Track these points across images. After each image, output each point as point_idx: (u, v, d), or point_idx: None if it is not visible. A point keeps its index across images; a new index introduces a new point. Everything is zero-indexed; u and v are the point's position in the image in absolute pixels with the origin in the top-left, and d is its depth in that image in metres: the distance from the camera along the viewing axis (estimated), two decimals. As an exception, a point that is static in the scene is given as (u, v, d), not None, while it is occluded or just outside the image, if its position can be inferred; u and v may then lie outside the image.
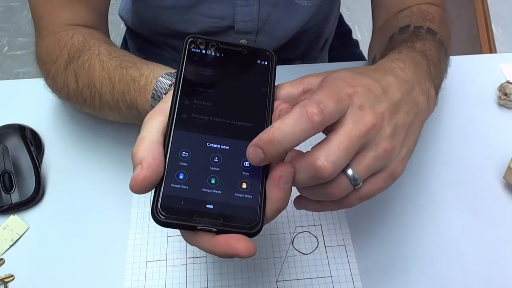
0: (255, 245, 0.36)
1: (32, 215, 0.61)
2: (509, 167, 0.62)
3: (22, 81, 0.76)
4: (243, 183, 0.38)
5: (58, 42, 0.61)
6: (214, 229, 0.36)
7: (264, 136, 0.37)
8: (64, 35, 0.62)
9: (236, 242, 0.35)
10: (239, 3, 0.75)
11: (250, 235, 0.36)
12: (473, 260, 0.58)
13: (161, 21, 0.78)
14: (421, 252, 0.58)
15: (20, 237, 0.60)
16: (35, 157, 0.64)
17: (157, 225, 0.36)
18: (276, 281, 0.56)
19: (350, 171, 0.40)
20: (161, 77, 0.49)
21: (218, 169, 0.38)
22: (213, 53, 0.43)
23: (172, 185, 0.37)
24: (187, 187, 0.37)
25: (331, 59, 0.97)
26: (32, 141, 0.66)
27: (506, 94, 0.71)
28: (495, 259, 0.58)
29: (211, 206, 0.37)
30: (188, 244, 0.39)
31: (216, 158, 0.39)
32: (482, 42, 0.90)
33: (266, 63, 0.44)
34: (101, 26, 0.68)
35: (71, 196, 0.63)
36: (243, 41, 0.80)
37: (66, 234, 0.60)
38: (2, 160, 0.63)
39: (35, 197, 0.62)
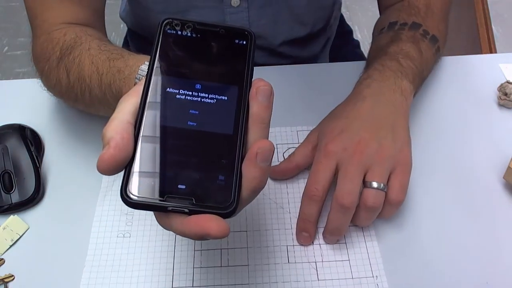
0: (228, 226, 0.34)
1: (32, 215, 0.61)
2: (509, 167, 0.62)
3: (22, 81, 0.76)
4: (217, 163, 0.37)
5: (51, 40, 0.61)
6: (186, 210, 0.35)
7: (300, 223, 0.57)
8: (57, 33, 0.62)
9: (207, 221, 0.34)
10: (228, 10, 0.75)
11: (224, 216, 0.35)
12: (473, 260, 0.58)
13: (155, 24, 0.78)
14: (420, 252, 0.58)
15: (20, 237, 0.59)
16: (35, 157, 0.64)
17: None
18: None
19: (371, 182, 0.54)
20: (143, 64, 0.49)
21: (191, 149, 0.37)
22: (189, 34, 0.42)
23: (142, 165, 0.36)
24: (158, 167, 0.36)
25: (332, 59, 0.97)
26: (32, 141, 0.66)
27: (506, 94, 0.71)
28: (495, 259, 0.58)
29: (183, 187, 0.35)
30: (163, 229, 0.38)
31: (188, 137, 0.37)
32: (482, 42, 0.90)
33: (244, 42, 0.42)
34: (96, 23, 0.68)
35: (71, 196, 0.63)
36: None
37: (66, 234, 0.60)
38: (2, 160, 0.63)
39: (35, 197, 0.62)
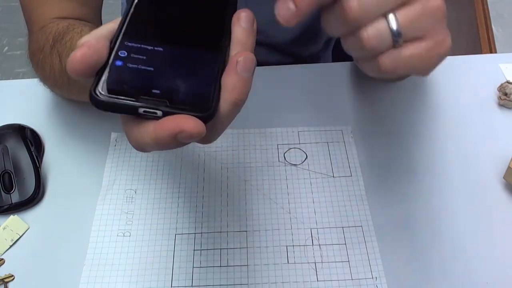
0: (204, 126, 0.32)
1: (32, 215, 0.61)
2: (509, 167, 0.62)
3: (22, 81, 0.75)
4: (197, 74, 0.35)
5: (45, 32, 0.61)
6: (159, 113, 0.32)
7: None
8: (50, 25, 0.62)
9: (182, 119, 0.31)
10: None
11: (201, 118, 0.32)
12: (473, 259, 0.58)
13: None
14: (419, 253, 0.58)
15: (20, 237, 0.59)
16: (35, 157, 0.64)
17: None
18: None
19: (391, 16, 0.35)
20: None
21: (170, 60, 0.35)
22: None
23: (116, 66, 0.34)
24: (133, 71, 0.34)
25: (335, 58, 0.97)
26: (32, 141, 0.66)
27: (506, 94, 0.71)
28: (495, 259, 0.58)
29: (157, 91, 0.33)
30: (133, 148, 0.35)
31: (167, 50, 0.36)
32: (482, 42, 0.90)
33: None
34: (92, 20, 0.67)
35: (71, 196, 0.63)
36: None
37: (66, 234, 0.60)
38: (2, 160, 0.63)
39: (35, 197, 0.62)
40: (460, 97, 0.74)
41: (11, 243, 0.59)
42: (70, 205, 0.62)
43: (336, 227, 0.60)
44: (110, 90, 0.33)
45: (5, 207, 0.60)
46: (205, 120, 0.32)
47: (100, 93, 0.32)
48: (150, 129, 0.32)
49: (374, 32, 0.35)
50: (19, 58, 1.66)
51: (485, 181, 0.65)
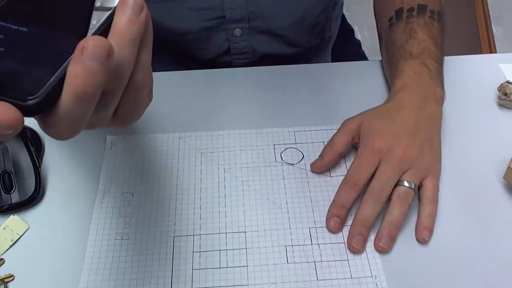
0: (20, 120, 0.29)
1: (32, 215, 0.61)
2: (509, 167, 0.62)
3: (22, 81, 0.75)
4: (42, 60, 0.32)
5: None
6: None
7: (333, 208, 0.60)
8: None
9: None
10: None
11: (21, 108, 0.29)
12: (473, 260, 0.58)
13: (152, 19, 0.79)
14: (419, 252, 0.58)
15: (20, 237, 0.59)
16: (35, 157, 0.64)
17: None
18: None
19: (405, 182, 0.60)
20: None
21: (28, 39, 0.33)
22: None
23: None
24: None
25: (334, 59, 0.97)
26: (32, 141, 0.66)
27: (506, 94, 0.71)
28: (495, 259, 0.58)
29: None
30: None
31: (31, 29, 0.33)
32: (482, 42, 0.90)
33: None
34: None
35: (71, 196, 0.63)
36: (237, 31, 0.80)
37: (66, 234, 0.60)
38: (2, 160, 0.63)
39: (35, 197, 0.62)
40: (460, 97, 0.74)
41: (11, 243, 0.59)
42: (70, 205, 0.62)
43: (334, 227, 0.60)
44: None
45: (5, 207, 0.60)
46: (25, 109, 0.30)
47: None
48: None
49: (400, 192, 0.60)
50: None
51: (485, 181, 0.65)
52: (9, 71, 0.31)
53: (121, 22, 0.32)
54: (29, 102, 0.30)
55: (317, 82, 0.76)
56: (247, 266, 0.57)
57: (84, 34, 0.33)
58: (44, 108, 0.31)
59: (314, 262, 0.57)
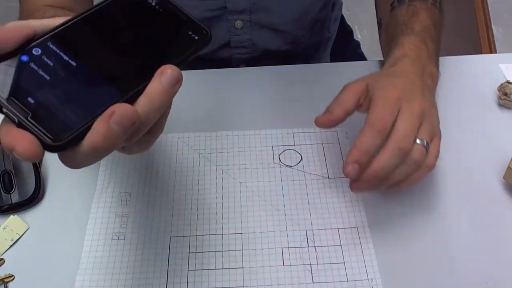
0: (39, 154, 0.31)
1: (32, 215, 0.62)
2: (509, 167, 0.62)
3: (23, 81, 0.76)
4: (79, 104, 0.34)
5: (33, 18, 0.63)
6: (16, 120, 0.32)
7: (356, 152, 0.53)
8: (37, 14, 0.64)
9: (20, 137, 0.31)
10: None
11: (44, 145, 0.32)
12: (473, 260, 0.58)
13: None
14: (420, 251, 0.58)
15: (20, 237, 0.60)
16: (35, 157, 0.64)
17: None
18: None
19: (422, 140, 0.56)
20: None
21: (74, 76, 0.35)
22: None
23: (20, 59, 0.34)
24: (29, 71, 0.34)
25: (333, 60, 0.97)
26: (32, 141, 0.66)
27: (506, 94, 0.71)
28: (495, 259, 0.58)
29: (32, 101, 0.33)
30: None
31: (80, 66, 0.35)
32: (482, 42, 0.90)
33: (196, 37, 0.40)
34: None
35: (71, 196, 0.63)
36: (239, 23, 0.80)
37: (66, 234, 0.60)
38: (2, 160, 0.63)
39: (35, 197, 0.62)
40: (460, 97, 0.74)
41: (11, 243, 0.59)
42: (70, 205, 0.63)
43: (331, 229, 0.60)
44: None
45: (5, 207, 0.61)
46: (48, 147, 0.32)
47: None
48: (2, 132, 0.32)
49: (416, 153, 0.55)
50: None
51: (485, 181, 0.65)
52: (46, 102, 0.33)
53: (155, 89, 0.35)
54: (52, 143, 0.32)
55: (316, 83, 0.76)
56: (243, 267, 0.57)
57: (127, 90, 0.35)
58: (62, 150, 0.33)
59: (310, 264, 0.57)
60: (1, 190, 0.62)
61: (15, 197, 0.61)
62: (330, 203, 0.62)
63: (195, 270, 0.57)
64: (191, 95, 0.74)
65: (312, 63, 0.90)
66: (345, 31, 1.03)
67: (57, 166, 0.66)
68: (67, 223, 0.61)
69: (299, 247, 0.59)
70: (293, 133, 0.69)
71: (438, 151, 0.58)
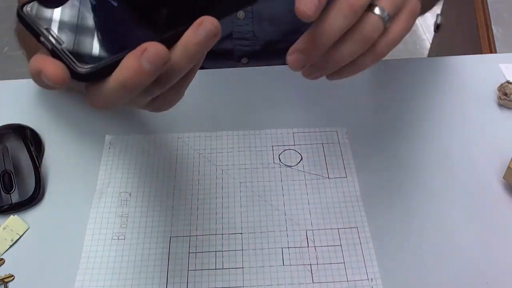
0: (66, 77, 0.32)
1: (32, 215, 0.62)
2: (509, 167, 0.62)
3: (22, 81, 0.76)
4: (115, 40, 0.36)
5: None
6: (49, 47, 0.34)
7: (307, 37, 0.41)
8: None
9: (47, 61, 0.32)
10: None
11: (74, 74, 0.33)
12: (473, 260, 0.58)
13: None
14: (420, 251, 0.58)
15: (20, 237, 0.60)
16: (35, 157, 0.64)
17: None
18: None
19: (378, 7, 0.42)
20: None
21: (115, 14, 0.36)
22: None
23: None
24: (60, 9, 0.36)
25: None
26: (32, 141, 0.67)
27: (506, 94, 0.71)
28: (495, 259, 0.58)
29: (68, 32, 0.35)
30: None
31: (121, 6, 0.37)
32: (482, 42, 0.90)
33: None
34: None
35: (71, 196, 0.63)
36: (241, 13, 0.80)
37: (66, 234, 0.60)
38: (2, 160, 0.63)
39: (35, 197, 0.62)
40: (460, 97, 0.73)
41: (11, 243, 0.59)
42: (70, 205, 0.63)
43: (331, 229, 0.60)
44: (31, 12, 0.35)
45: (5, 207, 0.61)
46: (75, 75, 0.33)
47: (25, 10, 0.35)
48: (35, 57, 0.33)
49: (369, 26, 0.41)
50: (19, 58, 1.67)
51: (485, 181, 0.64)
52: (81, 35, 0.35)
53: (191, 39, 0.34)
54: (80, 70, 0.33)
55: (316, 83, 0.75)
56: (242, 267, 0.57)
57: (162, 33, 0.35)
58: (90, 80, 0.34)
59: (310, 264, 0.57)
60: (1, 190, 0.62)
61: (15, 197, 0.61)
62: (330, 203, 0.62)
63: (195, 270, 0.57)
64: (191, 95, 0.74)
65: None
66: None
67: (57, 166, 0.66)
68: (67, 223, 0.61)
69: (299, 247, 0.59)
70: (293, 133, 0.69)
71: (409, 26, 0.45)
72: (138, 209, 0.62)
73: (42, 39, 0.34)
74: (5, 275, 0.57)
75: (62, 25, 0.35)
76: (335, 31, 0.41)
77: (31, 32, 0.35)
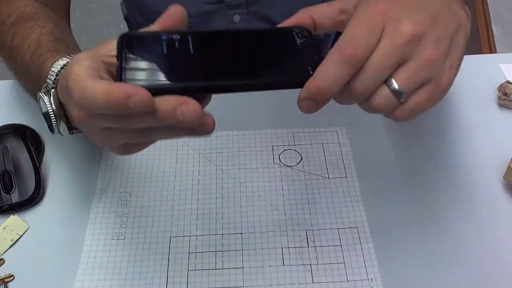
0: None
1: (32, 215, 0.62)
2: (509, 167, 0.62)
3: (23, 81, 0.76)
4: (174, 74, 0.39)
5: (11, 6, 0.65)
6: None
7: (312, 88, 0.39)
8: (19, 2, 0.65)
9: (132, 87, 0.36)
10: None
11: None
12: (473, 259, 0.58)
13: (150, 6, 0.79)
14: (420, 251, 0.58)
15: (20, 237, 0.60)
16: (35, 157, 0.64)
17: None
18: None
19: (393, 82, 0.39)
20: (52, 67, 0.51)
21: (173, 57, 0.40)
22: None
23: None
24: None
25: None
26: (32, 141, 0.67)
27: (506, 94, 0.71)
28: (495, 259, 0.58)
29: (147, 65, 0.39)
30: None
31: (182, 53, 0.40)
32: (482, 42, 0.90)
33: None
34: (58, 8, 0.71)
35: (71, 196, 0.64)
36: (236, 17, 0.80)
37: (66, 234, 0.60)
38: (2, 160, 0.63)
39: (35, 197, 0.62)
40: (460, 97, 0.74)
41: (11, 243, 0.59)
42: (70, 205, 0.63)
43: (331, 229, 0.60)
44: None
45: (5, 207, 0.61)
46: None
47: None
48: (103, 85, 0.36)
49: (381, 99, 0.40)
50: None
51: (485, 181, 0.65)
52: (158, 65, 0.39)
53: (169, 115, 0.37)
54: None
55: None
56: (242, 267, 0.57)
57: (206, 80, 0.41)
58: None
59: (310, 264, 0.57)
60: (1, 190, 0.62)
61: (15, 197, 0.61)
62: (330, 203, 0.62)
63: (195, 270, 0.57)
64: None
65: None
66: None
67: (57, 166, 0.66)
68: (67, 223, 0.61)
69: (299, 247, 0.59)
70: (293, 133, 0.69)
71: (422, 105, 0.41)
72: (138, 209, 0.62)
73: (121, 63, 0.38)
74: (5, 275, 0.57)
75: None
76: (336, 83, 0.39)
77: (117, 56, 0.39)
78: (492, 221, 0.61)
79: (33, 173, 0.63)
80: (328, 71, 0.38)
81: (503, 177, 0.63)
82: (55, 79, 0.50)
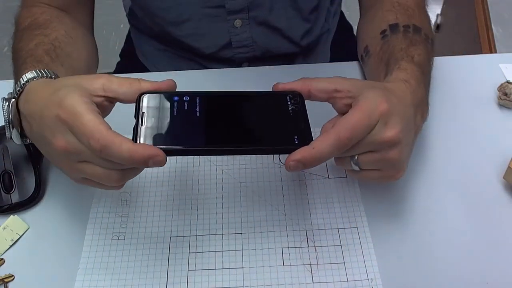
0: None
1: (32, 215, 0.62)
2: (509, 167, 0.62)
3: (23, 81, 0.76)
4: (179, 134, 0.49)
5: (28, 12, 0.70)
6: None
7: (307, 155, 0.47)
8: (36, 9, 0.70)
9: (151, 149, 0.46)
10: None
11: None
12: (473, 260, 0.58)
13: (153, 8, 0.79)
14: (420, 252, 0.58)
15: (20, 237, 0.60)
16: (35, 157, 0.64)
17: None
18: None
19: (355, 158, 0.52)
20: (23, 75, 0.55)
21: (180, 119, 0.50)
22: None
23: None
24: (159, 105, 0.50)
25: (333, 54, 0.96)
26: (32, 141, 0.67)
27: (506, 94, 0.71)
28: (495, 259, 0.58)
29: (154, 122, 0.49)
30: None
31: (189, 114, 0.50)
32: (482, 42, 0.90)
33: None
34: (77, 12, 0.75)
35: (71, 196, 0.64)
36: (238, 22, 0.80)
37: (66, 234, 0.60)
38: (2, 160, 0.63)
39: (35, 197, 0.62)
40: (460, 97, 0.74)
41: (11, 243, 0.59)
42: (70, 205, 0.63)
43: (331, 229, 0.60)
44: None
45: (5, 207, 0.61)
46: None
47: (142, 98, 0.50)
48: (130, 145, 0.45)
49: (346, 164, 0.53)
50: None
51: (485, 181, 0.65)
52: (162, 125, 0.49)
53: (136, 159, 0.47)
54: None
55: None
56: (242, 267, 0.57)
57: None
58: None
59: (310, 264, 0.57)
60: (1, 190, 0.62)
61: (15, 197, 0.61)
62: (330, 203, 0.62)
63: (195, 270, 0.57)
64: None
65: (313, 57, 0.91)
66: (346, 26, 1.03)
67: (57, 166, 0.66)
68: (67, 223, 0.61)
69: (299, 247, 0.59)
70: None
71: (373, 181, 0.57)
72: (138, 209, 0.62)
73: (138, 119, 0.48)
74: (5, 275, 0.57)
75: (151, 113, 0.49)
76: (324, 156, 0.48)
77: (136, 113, 0.49)
78: (492, 221, 0.61)
79: (33, 173, 0.63)
80: (325, 147, 0.48)
81: (503, 177, 0.63)
82: (19, 90, 0.54)
